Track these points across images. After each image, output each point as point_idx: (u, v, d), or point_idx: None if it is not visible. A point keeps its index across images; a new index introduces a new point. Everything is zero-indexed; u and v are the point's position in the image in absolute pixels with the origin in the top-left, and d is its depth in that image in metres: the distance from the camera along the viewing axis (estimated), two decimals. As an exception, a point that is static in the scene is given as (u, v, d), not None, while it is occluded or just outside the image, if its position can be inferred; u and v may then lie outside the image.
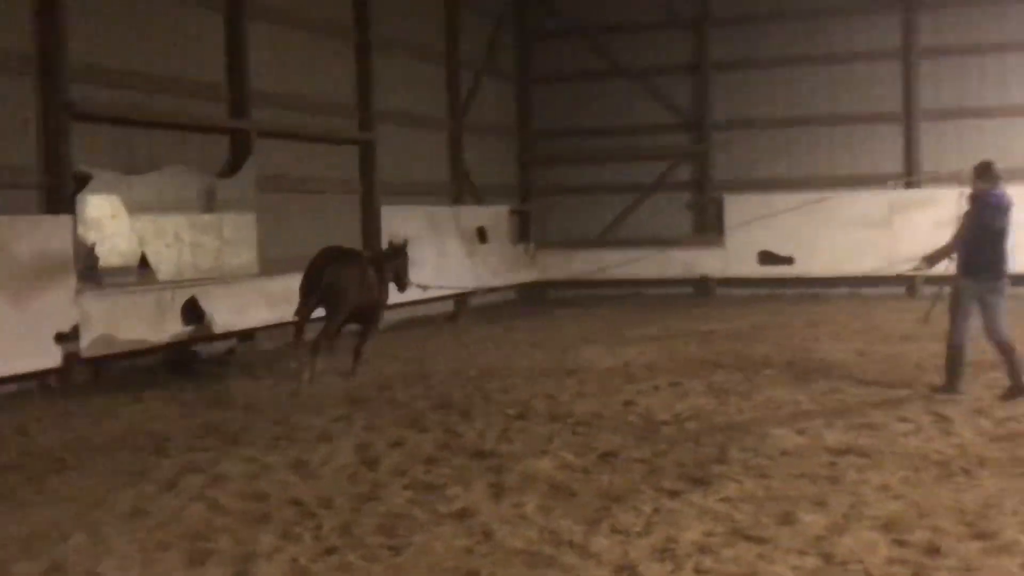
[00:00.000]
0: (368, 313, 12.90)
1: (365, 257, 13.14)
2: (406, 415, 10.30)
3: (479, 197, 22.69)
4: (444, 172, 21.80)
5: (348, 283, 12.31)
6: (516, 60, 25.01)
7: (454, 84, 21.97)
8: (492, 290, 22.26)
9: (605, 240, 24.45)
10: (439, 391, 11.59)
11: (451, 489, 7.46)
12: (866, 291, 21.81)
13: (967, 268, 10.48)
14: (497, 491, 7.38)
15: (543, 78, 25.17)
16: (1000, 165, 20.93)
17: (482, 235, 21.73)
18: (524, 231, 24.61)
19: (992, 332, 10.43)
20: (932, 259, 11.12)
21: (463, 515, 6.85)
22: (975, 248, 10.41)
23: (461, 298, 20.84)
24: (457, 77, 22.00)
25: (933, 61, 22.38)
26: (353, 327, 13.35)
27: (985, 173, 10.60)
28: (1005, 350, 10.46)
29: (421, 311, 19.42)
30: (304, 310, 12.42)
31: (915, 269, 12.02)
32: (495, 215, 22.67)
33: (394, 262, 13.54)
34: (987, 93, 22.10)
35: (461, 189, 22.03)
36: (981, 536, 6.08)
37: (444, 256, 20.07)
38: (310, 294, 12.28)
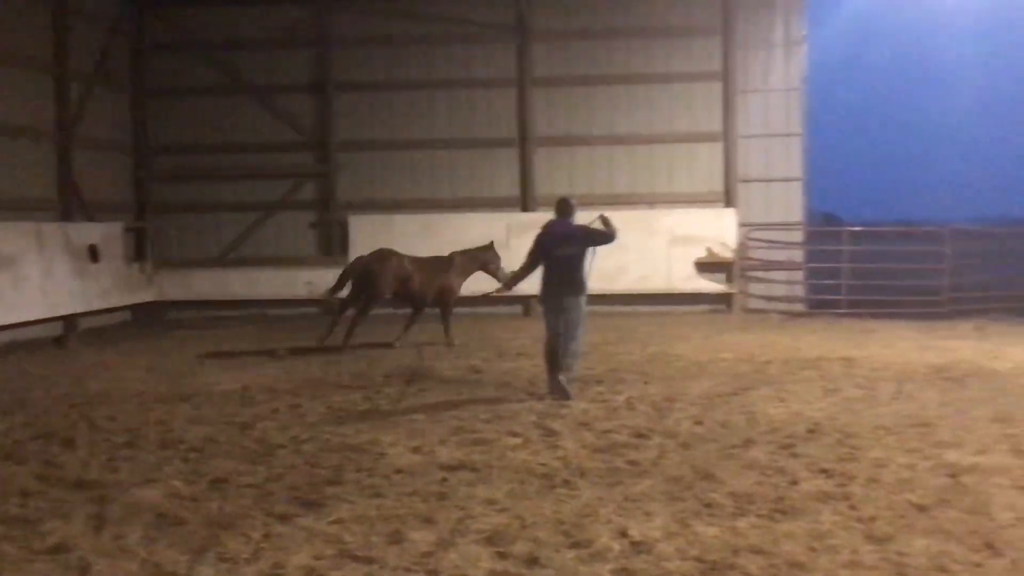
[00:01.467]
0: (413, 300, 16.88)
1: (402, 256, 16.67)
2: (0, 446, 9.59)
3: (90, 214, 21.56)
4: (52, 187, 20.57)
5: (377, 276, 16.24)
6: (131, 72, 24.00)
7: (62, 95, 20.77)
8: (105, 311, 21.21)
9: (227, 260, 23.91)
10: (40, 420, 10.86)
11: (48, 523, 7.01)
12: (484, 310, 22.49)
13: (543, 289, 11.76)
14: (98, 523, 7.00)
15: (161, 92, 24.27)
16: (606, 191, 22.39)
17: (94, 254, 20.66)
18: (140, 250, 23.62)
19: (566, 345, 11.69)
20: (509, 283, 12.53)
21: (59, 550, 6.45)
22: (547, 272, 11.75)
23: (69, 320, 19.74)
24: (66, 87, 20.82)
25: (547, 90, 23.48)
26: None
27: (559, 207, 11.97)
28: (553, 358, 11.72)
29: (27, 334, 18.23)
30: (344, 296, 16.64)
31: (497, 292, 12.81)
32: (108, 233, 21.60)
33: (481, 260, 17.19)
34: (596, 122, 23.43)
35: (70, 205, 20.86)
36: (577, 544, 6.37)
37: (51, 276, 18.94)
38: (344, 284, 16.53)
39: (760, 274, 22.94)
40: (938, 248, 22.07)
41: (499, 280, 16.13)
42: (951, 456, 8.51)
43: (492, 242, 17.72)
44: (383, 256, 16.57)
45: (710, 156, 23.06)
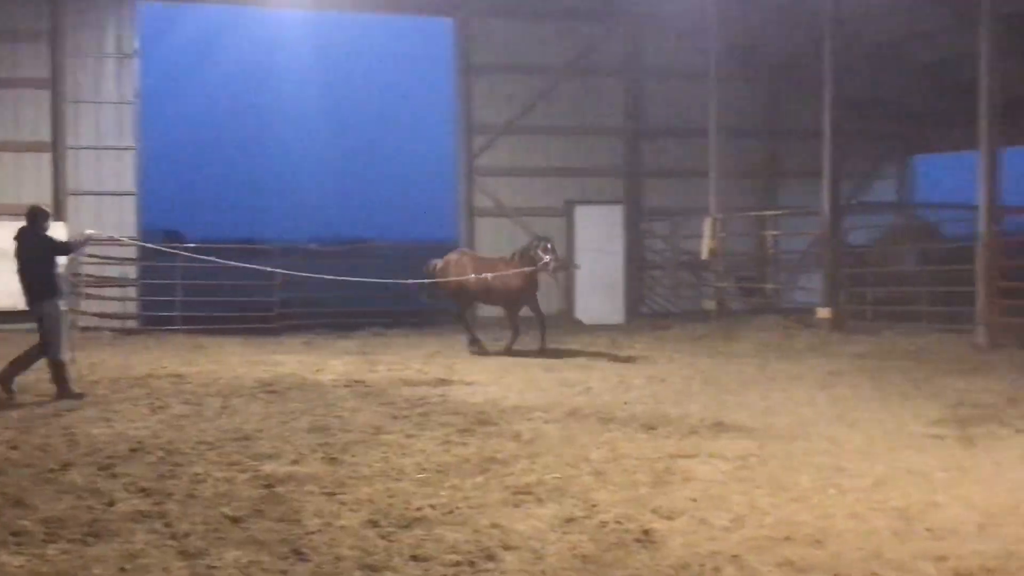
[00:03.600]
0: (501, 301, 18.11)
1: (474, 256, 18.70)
2: None
3: None
4: None
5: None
6: None
7: None
8: None
9: None
10: None
11: None
12: None
13: (25, 297, 12.60)
14: None
15: None
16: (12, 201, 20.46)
17: None
18: None
19: (46, 349, 12.48)
20: None
21: None
22: (24, 279, 12.52)
23: None
24: None
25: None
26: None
27: (28, 215, 12.70)
28: (53, 365, 12.47)
29: None
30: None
31: None
32: None
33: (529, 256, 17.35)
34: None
35: None
36: None
37: None
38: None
39: (92, 291, 22.22)
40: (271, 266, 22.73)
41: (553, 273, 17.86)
42: (268, 467, 8.77)
43: (539, 237, 17.95)
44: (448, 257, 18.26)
45: (37, 167, 21.95)
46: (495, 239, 24.62)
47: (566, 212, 24.90)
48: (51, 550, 6.50)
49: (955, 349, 16.81)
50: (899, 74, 24.65)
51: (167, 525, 7.04)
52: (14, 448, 9.59)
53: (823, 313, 19.94)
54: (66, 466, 8.85)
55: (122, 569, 6.17)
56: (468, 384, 14.05)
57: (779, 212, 24.11)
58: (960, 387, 13.17)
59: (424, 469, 8.72)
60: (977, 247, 17.42)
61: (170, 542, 6.69)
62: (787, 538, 6.73)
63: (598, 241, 24.81)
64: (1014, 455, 9.29)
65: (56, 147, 21.97)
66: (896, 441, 9.92)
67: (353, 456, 9.25)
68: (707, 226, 22.97)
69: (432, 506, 7.50)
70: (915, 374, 14.51)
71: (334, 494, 7.88)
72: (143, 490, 7.99)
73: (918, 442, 9.90)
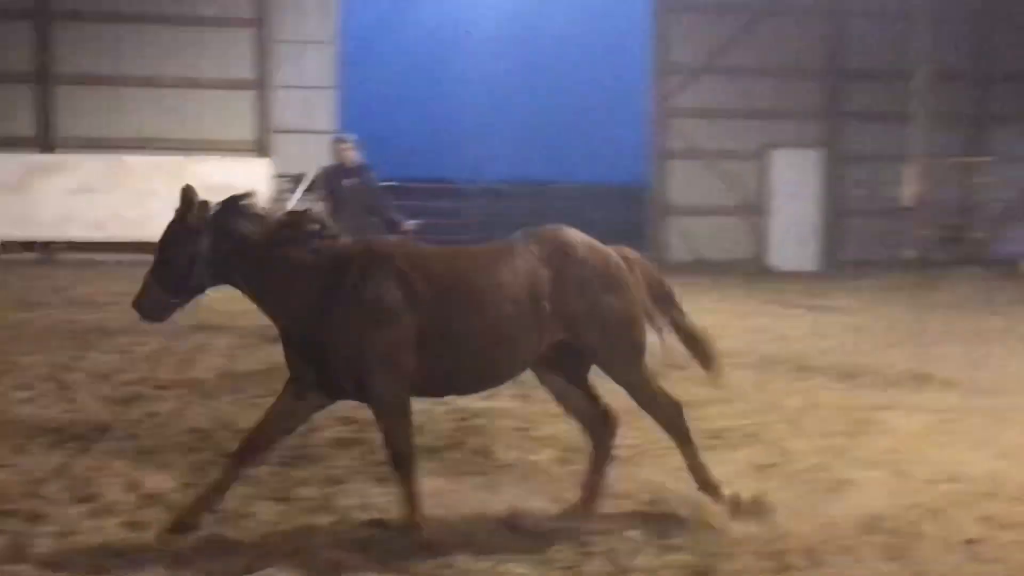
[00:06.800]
0: None
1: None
2: None
3: None
4: None
5: None
6: None
7: None
8: None
9: None
10: None
11: None
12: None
13: None
14: None
15: None
16: (134, 135, 21.34)
17: None
18: None
19: None
20: None
21: None
22: None
23: None
24: None
25: (65, 23, 22.09)
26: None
27: None
28: None
29: None
30: None
31: None
32: None
33: None
34: (123, 62, 22.34)
35: None
36: (85, 499, 6.06)
37: None
38: None
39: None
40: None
41: None
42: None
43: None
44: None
45: (244, 105, 22.69)
46: (685, 182, 24.33)
47: (761, 155, 24.42)
48: (263, 471, 6.72)
49: None
50: None
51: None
52: (224, 375, 10.01)
53: (1029, 266, 19.09)
54: (273, 393, 9.13)
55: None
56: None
57: (987, 159, 23.05)
58: None
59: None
60: None
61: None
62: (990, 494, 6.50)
63: (793, 186, 24.30)
64: None
65: (262, 85, 22.65)
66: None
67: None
68: (910, 172, 22.15)
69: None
70: None
71: None
72: (344, 419, 8.18)
73: None
